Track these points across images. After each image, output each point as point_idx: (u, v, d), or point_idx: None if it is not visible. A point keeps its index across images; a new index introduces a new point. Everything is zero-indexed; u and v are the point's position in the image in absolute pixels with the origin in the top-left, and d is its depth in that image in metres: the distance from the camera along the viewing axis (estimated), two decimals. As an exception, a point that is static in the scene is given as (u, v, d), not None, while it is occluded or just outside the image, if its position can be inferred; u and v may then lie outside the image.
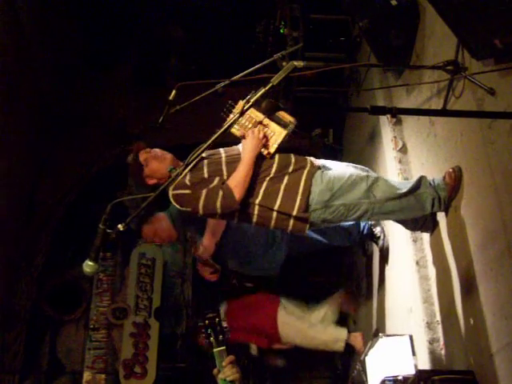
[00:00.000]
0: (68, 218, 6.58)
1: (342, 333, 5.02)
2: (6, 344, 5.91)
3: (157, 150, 3.56)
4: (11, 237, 6.00)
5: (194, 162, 3.17)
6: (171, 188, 3.28)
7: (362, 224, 4.41)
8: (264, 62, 3.32)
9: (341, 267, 6.22)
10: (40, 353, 6.20)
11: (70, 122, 6.78)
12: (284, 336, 5.12)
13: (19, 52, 5.83)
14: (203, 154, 3.33)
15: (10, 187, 5.82)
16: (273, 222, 3.34)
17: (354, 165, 3.52)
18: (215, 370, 2.59)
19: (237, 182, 3.23)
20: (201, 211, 3.29)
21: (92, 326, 6.25)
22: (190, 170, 3.24)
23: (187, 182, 3.29)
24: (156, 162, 3.50)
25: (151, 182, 3.49)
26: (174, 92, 3.41)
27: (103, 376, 6.05)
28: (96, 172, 6.82)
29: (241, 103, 3.25)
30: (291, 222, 3.31)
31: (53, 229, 6.50)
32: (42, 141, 6.59)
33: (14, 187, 5.93)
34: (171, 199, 3.33)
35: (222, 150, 3.50)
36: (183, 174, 3.22)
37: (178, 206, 3.34)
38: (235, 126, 3.40)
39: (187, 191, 3.29)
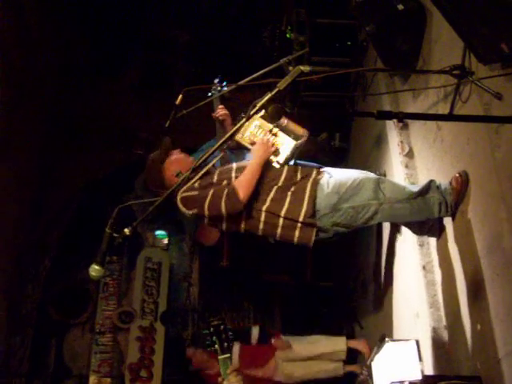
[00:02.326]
0: (75, 221, 6.60)
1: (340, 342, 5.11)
2: (13, 348, 5.93)
3: (181, 155, 3.59)
4: (18, 241, 6.02)
5: (205, 169, 3.20)
6: (180, 191, 3.30)
7: None
8: (270, 67, 3.33)
9: (348, 272, 6.20)
10: (46, 357, 6.21)
11: (78, 126, 6.81)
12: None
13: (26, 57, 5.86)
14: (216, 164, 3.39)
15: (18, 191, 5.84)
16: (279, 230, 3.33)
17: (360, 170, 3.53)
18: (219, 378, 2.59)
19: (242, 182, 3.26)
20: (206, 211, 3.31)
21: (98, 330, 6.27)
22: (200, 178, 3.28)
23: (196, 185, 3.32)
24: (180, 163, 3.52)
25: (170, 170, 3.49)
26: (180, 96, 3.42)
27: (109, 380, 6.07)
28: (103, 175, 6.84)
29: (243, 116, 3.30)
30: (297, 230, 3.30)
31: (59, 233, 6.52)
32: (50, 145, 6.61)
33: (21, 191, 5.95)
34: (178, 202, 3.35)
35: (234, 164, 3.56)
36: (193, 180, 3.26)
37: (184, 210, 3.36)
38: (245, 135, 3.44)
39: (195, 193, 3.32)
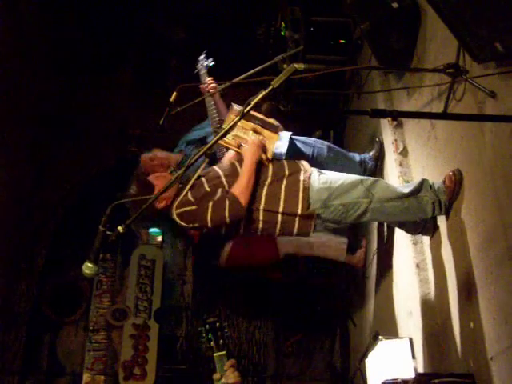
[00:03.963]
0: (68, 219, 6.59)
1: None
2: (6, 345, 5.91)
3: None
4: (11, 238, 6.00)
5: (192, 182, 3.19)
6: (174, 207, 3.29)
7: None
8: (265, 65, 3.34)
9: (341, 269, 6.20)
10: (40, 354, 6.19)
11: (71, 123, 6.79)
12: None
13: (20, 54, 5.84)
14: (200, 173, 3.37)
15: (11, 188, 5.82)
16: (278, 226, 3.34)
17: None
18: (216, 375, 2.60)
19: (241, 188, 3.26)
20: (209, 223, 3.29)
21: (92, 328, 6.25)
22: (190, 189, 3.27)
23: (191, 199, 3.30)
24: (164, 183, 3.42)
25: (161, 205, 3.36)
26: (174, 94, 3.43)
27: (103, 377, 6.05)
28: (96, 173, 6.82)
29: (232, 117, 3.29)
30: (296, 223, 3.32)
31: (53, 230, 6.50)
32: (43, 142, 6.59)
33: (14, 188, 5.93)
34: (176, 219, 3.32)
35: (214, 166, 3.57)
36: (184, 193, 3.26)
37: (183, 225, 3.33)
38: (228, 138, 3.42)
39: (193, 207, 3.30)
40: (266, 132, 3.45)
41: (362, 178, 3.38)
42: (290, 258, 5.39)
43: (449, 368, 3.26)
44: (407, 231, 3.75)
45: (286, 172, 3.38)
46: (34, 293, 6.23)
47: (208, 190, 3.35)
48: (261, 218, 3.34)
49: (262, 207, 3.31)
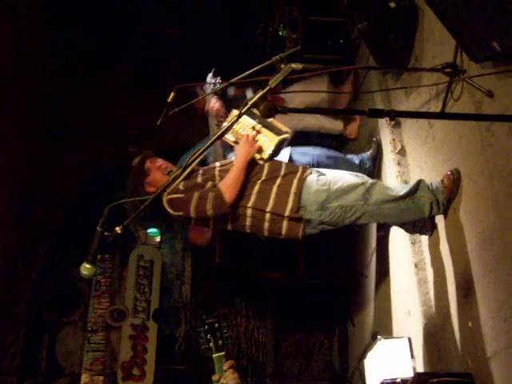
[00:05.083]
0: (67, 219, 6.58)
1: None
2: (5, 346, 5.90)
3: (161, 161, 3.60)
4: (10, 238, 5.99)
5: (191, 168, 3.21)
6: (165, 193, 3.32)
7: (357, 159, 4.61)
8: (263, 65, 3.33)
9: (340, 268, 6.20)
10: (38, 355, 6.19)
11: (69, 123, 6.78)
12: None
13: (18, 53, 5.83)
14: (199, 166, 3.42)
15: (9, 189, 5.81)
16: (266, 225, 3.33)
17: (350, 172, 3.55)
18: (215, 376, 2.59)
19: (228, 184, 3.27)
20: (192, 214, 3.32)
21: (90, 328, 6.25)
22: (185, 179, 3.30)
23: (181, 187, 3.34)
24: (159, 172, 3.53)
25: (150, 189, 3.51)
26: (172, 94, 3.42)
27: (101, 378, 6.04)
28: (95, 173, 6.81)
29: (234, 112, 3.30)
30: (284, 224, 3.31)
31: (51, 231, 6.49)
32: (41, 142, 6.59)
33: (12, 188, 5.92)
34: (165, 204, 3.36)
35: (217, 162, 3.61)
36: (178, 181, 3.28)
37: (171, 212, 3.38)
38: (228, 133, 3.43)
39: (180, 195, 3.33)
40: (265, 131, 3.44)
41: (360, 180, 3.37)
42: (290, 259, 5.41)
43: (447, 367, 3.27)
44: (405, 230, 3.75)
45: (282, 172, 3.37)
46: (33, 293, 6.22)
47: (199, 181, 3.39)
48: (248, 215, 3.34)
49: (250, 205, 3.31)
